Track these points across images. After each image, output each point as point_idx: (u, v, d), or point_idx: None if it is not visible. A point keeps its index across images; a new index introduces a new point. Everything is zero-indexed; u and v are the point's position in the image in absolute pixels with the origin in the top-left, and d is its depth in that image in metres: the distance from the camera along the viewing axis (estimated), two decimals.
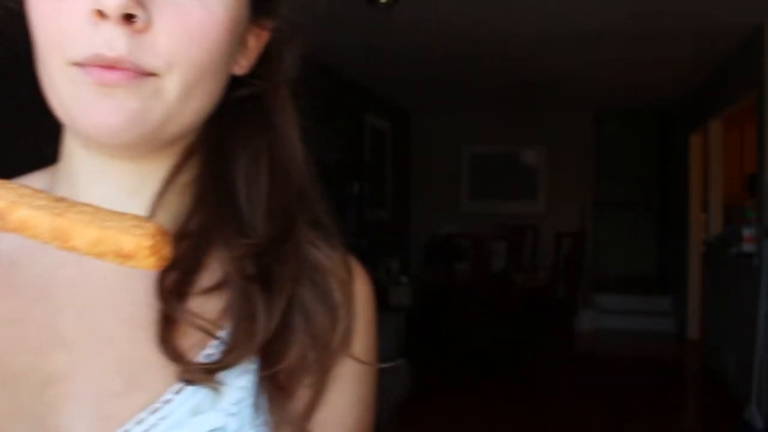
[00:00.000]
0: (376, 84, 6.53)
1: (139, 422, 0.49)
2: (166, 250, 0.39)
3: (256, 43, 0.57)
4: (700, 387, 5.62)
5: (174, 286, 0.51)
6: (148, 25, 0.45)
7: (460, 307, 5.55)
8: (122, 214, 0.40)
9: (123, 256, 0.38)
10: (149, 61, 0.46)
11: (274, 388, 0.52)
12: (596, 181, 8.13)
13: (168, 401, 0.50)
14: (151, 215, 0.53)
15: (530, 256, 7.37)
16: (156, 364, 0.50)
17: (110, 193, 0.53)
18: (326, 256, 0.56)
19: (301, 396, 0.54)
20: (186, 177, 0.56)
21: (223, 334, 0.52)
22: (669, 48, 4.94)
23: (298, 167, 0.59)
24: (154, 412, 0.49)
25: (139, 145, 0.50)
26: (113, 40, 0.45)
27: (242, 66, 0.56)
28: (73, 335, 0.51)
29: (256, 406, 0.52)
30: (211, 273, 0.54)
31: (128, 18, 0.45)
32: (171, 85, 0.47)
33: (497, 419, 4.49)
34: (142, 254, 0.38)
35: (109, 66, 0.45)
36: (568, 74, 5.96)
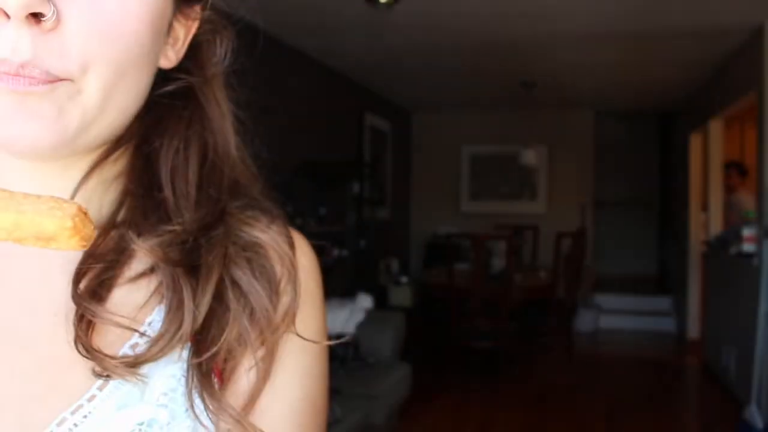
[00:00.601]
0: (376, 84, 6.53)
1: (61, 423, 0.46)
2: (88, 230, 0.39)
3: (185, 33, 0.54)
4: (700, 387, 5.62)
5: (90, 285, 0.49)
6: (56, 23, 0.42)
7: (460, 307, 5.55)
8: (39, 197, 0.38)
9: (44, 239, 0.37)
10: (60, 65, 0.43)
11: (207, 375, 0.49)
12: (596, 181, 8.13)
13: (91, 398, 0.47)
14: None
15: (530, 256, 7.37)
16: (79, 362, 0.47)
17: (32, 190, 0.50)
18: (262, 231, 0.55)
19: (243, 382, 0.51)
20: (112, 171, 0.54)
21: (148, 322, 0.50)
22: (669, 48, 4.94)
23: (231, 160, 0.57)
24: (75, 411, 0.47)
25: (60, 154, 0.47)
26: (18, 43, 0.41)
27: (170, 59, 0.53)
28: None
29: (189, 396, 0.49)
30: (138, 262, 0.52)
31: (34, 17, 0.41)
32: (89, 87, 0.45)
33: (497, 419, 4.49)
34: (63, 235, 0.37)
35: (15, 73, 0.42)
36: (568, 74, 5.96)
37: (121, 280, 0.51)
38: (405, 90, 6.93)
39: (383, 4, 3.80)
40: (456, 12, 4.16)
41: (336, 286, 5.32)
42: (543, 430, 4.37)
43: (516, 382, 5.37)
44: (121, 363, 0.47)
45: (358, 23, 4.39)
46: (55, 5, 0.42)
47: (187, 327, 0.48)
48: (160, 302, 0.51)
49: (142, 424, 0.47)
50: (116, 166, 0.54)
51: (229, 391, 0.51)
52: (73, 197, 0.51)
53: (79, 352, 0.46)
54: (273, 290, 0.53)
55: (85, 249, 0.39)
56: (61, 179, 0.52)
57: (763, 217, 4.29)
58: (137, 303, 0.50)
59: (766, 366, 4.07)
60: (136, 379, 0.47)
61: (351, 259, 5.72)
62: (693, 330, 6.70)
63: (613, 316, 7.49)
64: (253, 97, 0.63)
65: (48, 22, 0.42)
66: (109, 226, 0.52)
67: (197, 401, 0.49)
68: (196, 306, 0.49)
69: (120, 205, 0.53)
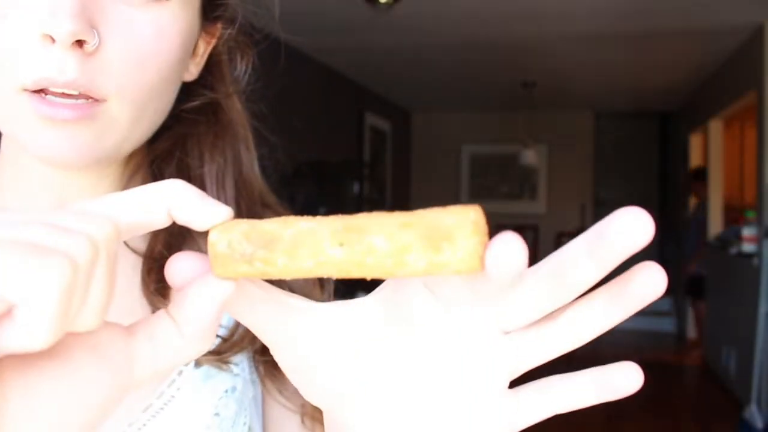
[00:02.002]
0: (376, 84, 6.53)
1: (159, 396, 0.52)
2: (484, 236, 0.28)
3: (204, 48, 0.57)
4: (700, 387, 5.62)
5: (157, 285, 0.53)
6: (98, 47, 0.45)
7: None
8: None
9: (437, 239, 0.27)
10: (99, 86, 0.45)
11: (271, 362, 0.58)
12: (596, 181, 8.13)
13: (180, 372, 0.53)
14: None
15: (530, 256, 7.34)
16: None
17: (62, 199, 0.53)
18: None
19: None
20: (141, 178, 0.57)
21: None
22: (669, 48, 4.93)
23: (256, 172, 0.62)
24: (170, 384, 0.53)
25: (91, 168, 0.50)
26: (64, 65, 0.44)
27: (192, 73, 0.56)
28: None
29: (251, 366, 0.58)
30: None
31: (78, 42, 0.44)
32: (122, 112, 0.47)
33: None
34: (463, 232, 0.27)
35: (62, 94, 0.44)
36: (568, 74, 5.96)
37: None
38: (405, 90, 6.93)
39: (383, 4, 3.80)
40: (456, 12, 4.15)
41: (336, 286, 5.31)
42: (543, 430, 4.37)
43: (515, 382, 5.36)
44: (212, 357, 0.54)
45: (358, 23, 4.39)
46: (98, 32, 0.45)
47: None
48: None
49: (226, 391, 0.55)
50: (139, 172, 0.58)
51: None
52: None
53: None
54: (310, 290, 0.61)
55: (477, 271, 0.28)
56: (95, 188, 0.55)
57: (762, 217, 4.29)
58: None
59: (766, 366, 4.07)
60: (223, 365, 0.55)
61: None
62: (693, 330, 6.70)
63: None
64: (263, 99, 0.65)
65: (91, 47, 0.44)
66: (157, 230, 0.56)
67: (259, 371, 0.59)
68: None
69: None
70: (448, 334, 0.31)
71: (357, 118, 6.48)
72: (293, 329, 0.31)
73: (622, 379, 0.30)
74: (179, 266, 0.28)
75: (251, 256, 0.28)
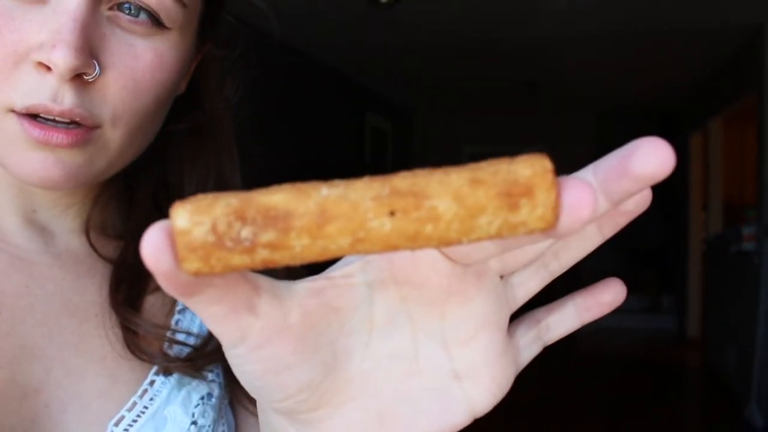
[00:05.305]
0: (377, 83, 6.52)
1: (131, 408, 0.50)
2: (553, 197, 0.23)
3: (193, 64, 0.57)
4: (700, 386, 5.62)
5: (127, 294, 0.52)
6: (97, 77, 0.44)
7: None
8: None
9: (515, 195, 0.22)
10: (94, 114, 0.44)
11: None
12: None
13: (152, 382, 0.51)
14: (88, 226, 0.54)
15: None
16: (129, 355, 0.51)
17: (33, 207, 0.52)
18: None
19: None
20: (114, 187, 0.57)
21: (174, 322, 0.55)
22: (670, 48, 4.93)
23: (240, 187, 0.60)
24: (142, 395, 0.50)
25: (77, 188, 0.50)
26: (60, 95, 0.43)
27: (181, 89, 0.55)
28: (40, 344, 0.49)
29: (225, 372, 0.56)
30: None
31: (78, 75, 0.43)
32: (115, 137, 0.46)
33: (496, 420, 4.49)
34: (543, 185, 0.22)
35: (54, 122, 0.43)
36: (569, 74, 5.96)
37: (150, 288, 0.55)
38: (406, 90, 6.92)
39: (384, 3, 3.80)
40: (458, 11, 4.15)
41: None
42: (543, 430, 4.37)
43: (515, 382, 5.35)
44: (184, 364, 0.52)
45: (359, 23, 4.39)
46: (97, 61, 0.43)
47: None
48: (182, 306, 0.56)
49: (202, 398, 0.53)
50: (114, 182, 0.56)
51: None
52: (92, 209, 0.55)
53: (142, 359, 0.51)
54: None
55: (547, 230, 0.23)
56: (73, 199, 0.54)
57: (763, 216, 4.29)
58: (164, 307, 0.55)
59: (766, 365, 4.07)
60: (199, 375, 0.53)
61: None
62: (693, 329, 6.70)
63: (613, 316, 7.47)
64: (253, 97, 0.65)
65: (91, 78, 0.43)
66: (130, 238, 0.55)
67: (236, 390, 0.57)
68: None
69: (136, 217, 0.57)
70: (452, 285, 0.28)
71: (357, 118, 6.47)
72: (276, 317, 0.25)
73: (608, 295, 0.32)
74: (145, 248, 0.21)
75: (252, 242, 0.21)
